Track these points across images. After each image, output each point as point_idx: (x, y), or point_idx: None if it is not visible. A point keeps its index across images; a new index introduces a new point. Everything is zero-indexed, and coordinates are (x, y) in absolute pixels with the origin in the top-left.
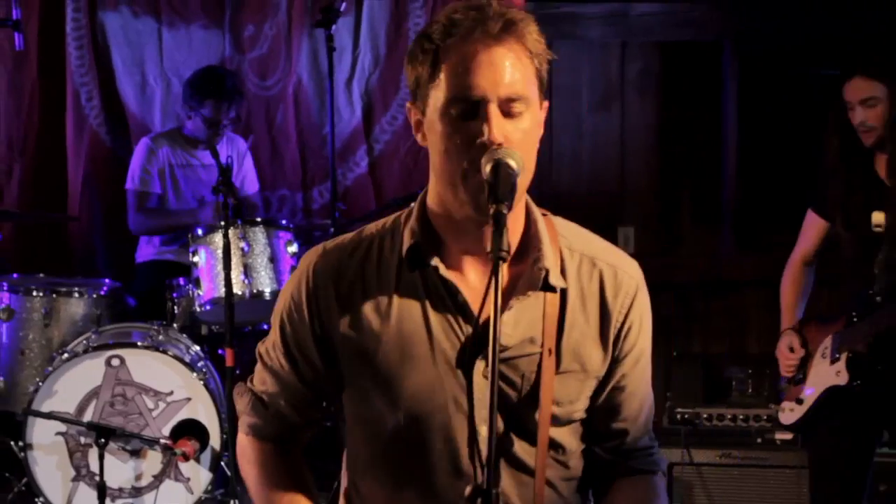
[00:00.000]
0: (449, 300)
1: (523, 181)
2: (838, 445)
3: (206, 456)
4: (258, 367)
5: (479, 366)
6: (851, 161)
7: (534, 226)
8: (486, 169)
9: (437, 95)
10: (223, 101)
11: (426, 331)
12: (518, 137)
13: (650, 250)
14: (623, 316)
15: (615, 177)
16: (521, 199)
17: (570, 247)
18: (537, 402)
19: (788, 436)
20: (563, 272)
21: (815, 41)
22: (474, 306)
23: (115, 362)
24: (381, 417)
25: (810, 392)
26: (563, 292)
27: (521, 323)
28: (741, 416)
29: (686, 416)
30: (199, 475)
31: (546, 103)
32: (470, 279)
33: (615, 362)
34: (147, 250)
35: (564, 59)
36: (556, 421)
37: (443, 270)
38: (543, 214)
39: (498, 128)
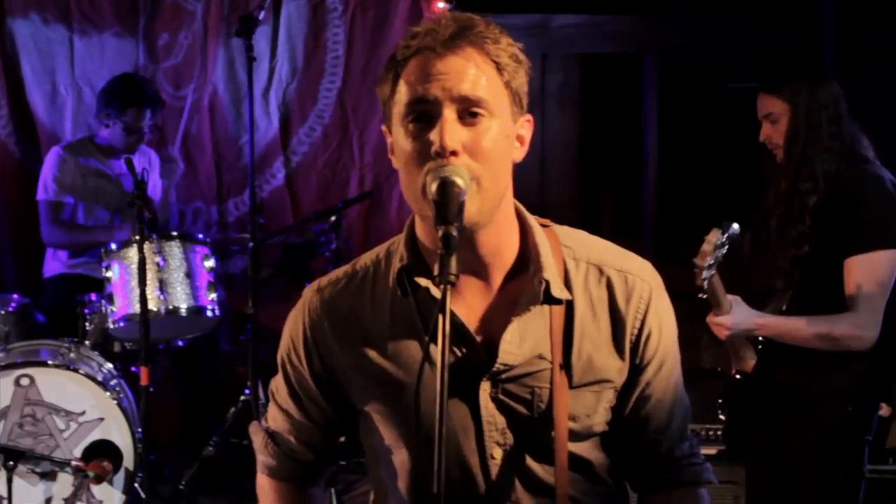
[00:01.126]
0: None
1: (493, 197)
2: (750, 470)
3: (120, 478)
4: (270, 404)
5: (485, 386)
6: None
7: (530, 237)
8: (432, 188)
9: (397, 109)
10: (146, 107)
11: (424, 357)
12: (481, 146)
13: None
14: (640, 322)
15: (535, 188)
16: (508, 215)
17: (575, 256)
18: (551, 420)
19: (713, 450)
20: (568, 283)
21: (733, 55)
22: (472, 326)
23: (25, 381)
24: (392, 449)
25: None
26: (570, 304)
27: (526, 339)
28: None
29: None
30: (113, 498)
31: (528, 117)
32: (466, 298)
33: (636, 371)
34: (54, 265)
35: None
36: (575, 436)
37: (434, 291)
38: (545, 225)
39: (451, 134)
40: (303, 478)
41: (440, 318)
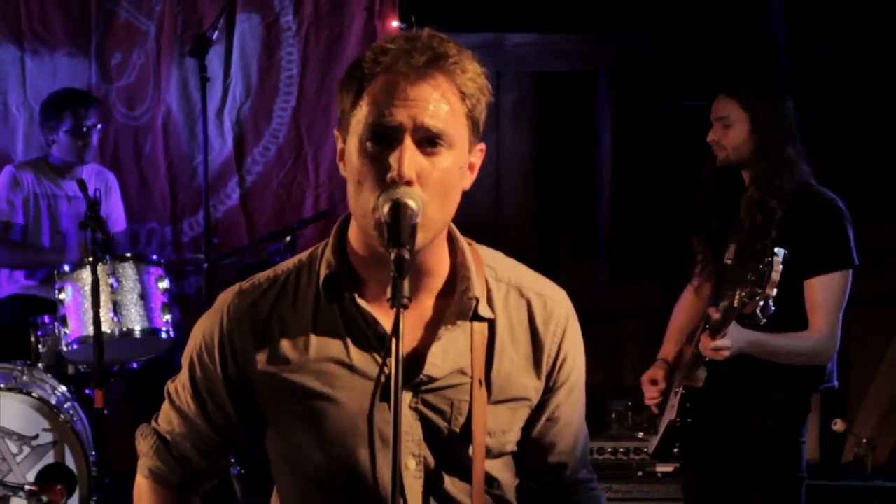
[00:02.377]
0: (369, 332)
1: (437, 226)
2: (688, 480)
3: (74, 501)
4: (165, 405)
5: (406, 396)
6: (719, 189)
7: (461, 255)
8: (384, 210)
9: (357, 124)
10: (80, 106)
11: (347, 364)
12: (435, 177)
13: None
14: (557, 345)
15: (490, 207)
16: (441, 235)
17: (497, 277)
18: (469, 434)
19: (669, 468)
20: (490, 302)
21: (686, 72)
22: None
23: None
24: (305, 455)
25: (661, 423)
26: (492, 323)
27: (449, 354)
28: (621, 450)
29: None
30: None
31: (482, 146)
32: (389, 310)
33: (549, 392)
34: (8, 286)
35: None
36: (489, 453)
37: (360, 301)
38: (469, 244)
39: (410, 161)
40: (188, 486)
41: (393, 340)
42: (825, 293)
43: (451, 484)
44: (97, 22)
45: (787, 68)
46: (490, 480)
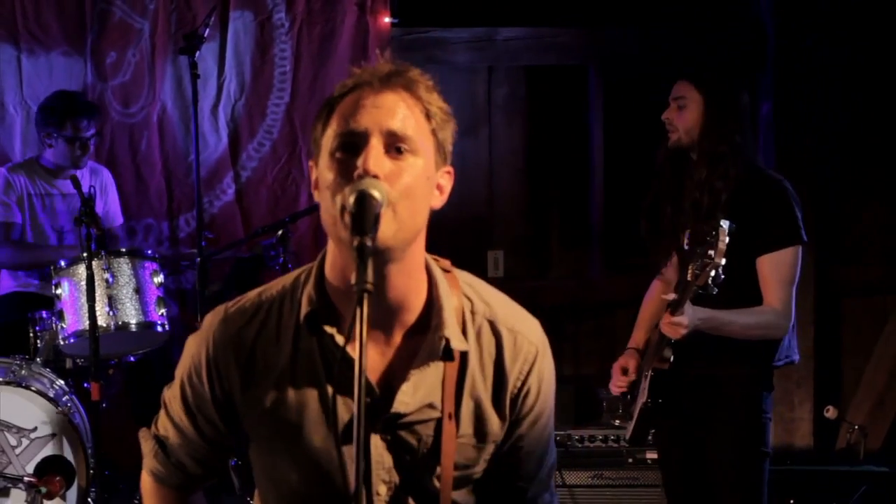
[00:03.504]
0: (345, 368)
1: (409, 228)
2: (664, 461)
3: (73, 493)
4: (162, 412)
5: (377, 429)
6: (672, 173)
7: (435, 291)
8: (350, 200)
9: (327, 140)
10: (82, 116)
11: (322, 397)
12: (402, 179)
13: (520, 273)
14: (521, 382)
15: (483, 200)
16: (419, 262)
17: (473, 309)
18: (435, 467)
19: (654, 454)
20: (464, 332)
21: (676, 66)
22: (370, 376)
23: None
24: (283, 476)
25: (635, 408)
26: (464, 356)
27: (420, 389)
28: (612, 437)
29: (557, 438)
30: None
31: (448, 170)
32: (368, 350)
33: (513, 425)
34: (8, 282)
35: None
36: (455, 483)
37: (339, 339)
38: (447, 270)
39: (375, 160)
40: (187, 487)
41: (359, 335)
42: (776, 269)
43: None
44: (92, 21)
45: (776, 60)
46: None
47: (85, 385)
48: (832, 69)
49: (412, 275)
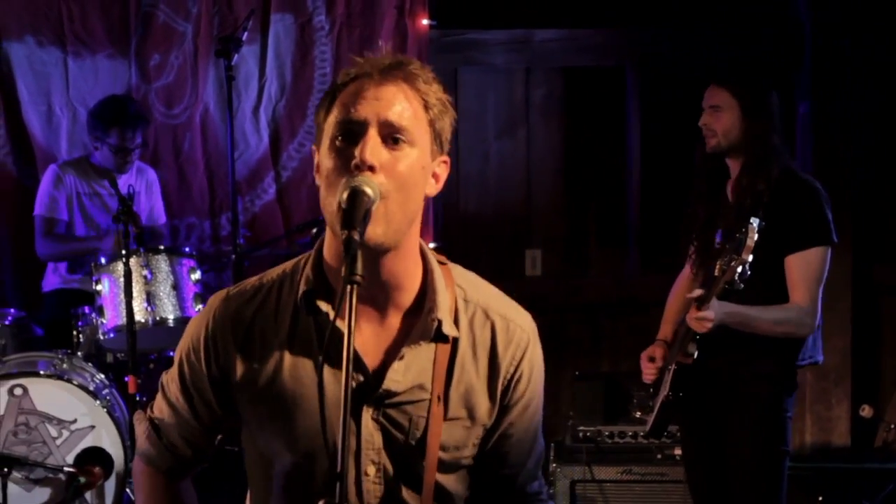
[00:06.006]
0: (335, 341)
1: (399, 221)
2: (686, 456)
3: (111, 484)
4: (159, 395)
5: (368, 410)
6: (707, 177)
7: (430, 276)
8: (343, 196)
9: (328, 127)
10: (128, 127)
11: (318, 376)
12: (398, 170)
13: (557, 272)
14: (513, 368)
15: (522, 200)
16: (413, 247)
17: (466, 297)
18: (424, 447)
19: (678, 450)
20: (456, 321)
21: (712, 66)
22: (365, 355)
23: (18, 391)
24: (275, 457)
25: (656, 401)
26: (455, 341)
27: (411, 370)
28: (642, 433)
29: (588, 434)
30: (104, 503)
31: (445, 159)
32: (362, 329)
33: (503, 411)
34: (53, 279)
35: (470, 84)
36: (443, 467)
37: (333, 315)
38: (442, 263)
39: (372, 150)
40: (177, 471)
41: (347, 326)
42: (804, 268)
43: (406, 493)
44: (136, 24)
45: (813, 60)
46: (442, 492)
47: (125, 379)
48: (870, 68)
49: (406, 258)
